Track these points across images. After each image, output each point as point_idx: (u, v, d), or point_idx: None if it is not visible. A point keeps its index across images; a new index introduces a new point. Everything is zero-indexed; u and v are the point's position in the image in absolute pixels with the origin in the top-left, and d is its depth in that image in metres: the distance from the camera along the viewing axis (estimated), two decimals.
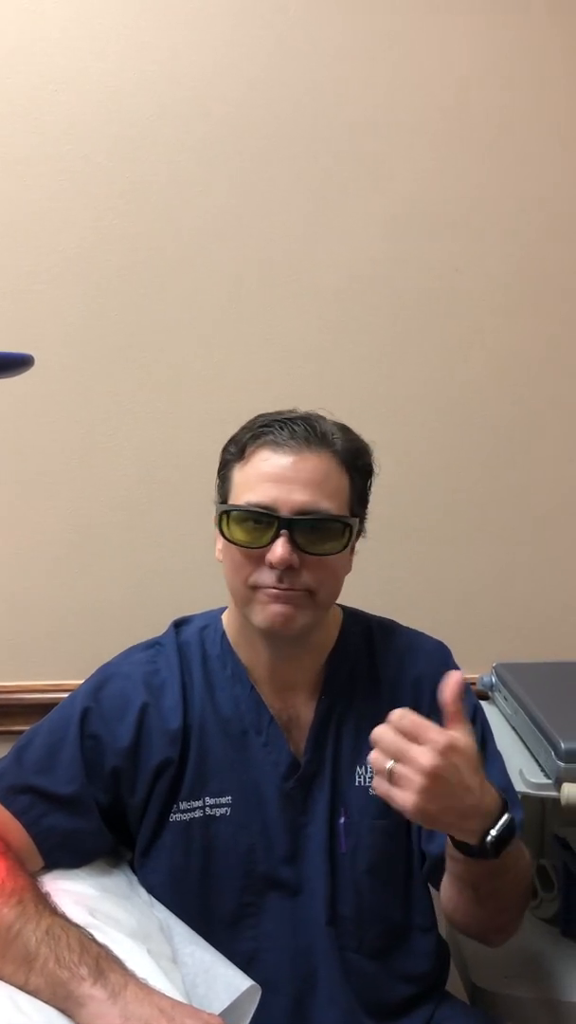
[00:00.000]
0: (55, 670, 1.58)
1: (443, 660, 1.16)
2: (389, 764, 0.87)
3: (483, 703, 1.44)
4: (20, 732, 1.11)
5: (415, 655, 1.15)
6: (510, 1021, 1.16)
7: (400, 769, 0.86)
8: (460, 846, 0.93)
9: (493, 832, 0.90)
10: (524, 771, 1.18)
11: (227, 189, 1.55)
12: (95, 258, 1.54)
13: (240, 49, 1.53)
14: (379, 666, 1.14)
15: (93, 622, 1.59)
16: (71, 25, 1.50)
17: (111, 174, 1.53)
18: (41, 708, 1.24)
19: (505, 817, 0.91)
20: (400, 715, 0.88)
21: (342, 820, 1.08)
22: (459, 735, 0.88)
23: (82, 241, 1.54)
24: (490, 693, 1.44)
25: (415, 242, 1.58)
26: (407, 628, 1.20)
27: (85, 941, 0.83)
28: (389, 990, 1.09)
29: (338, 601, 1.16)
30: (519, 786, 1.16)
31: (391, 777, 0.87)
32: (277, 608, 1.01)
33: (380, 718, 0.90)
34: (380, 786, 0.88)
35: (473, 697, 1.16)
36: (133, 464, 1.59)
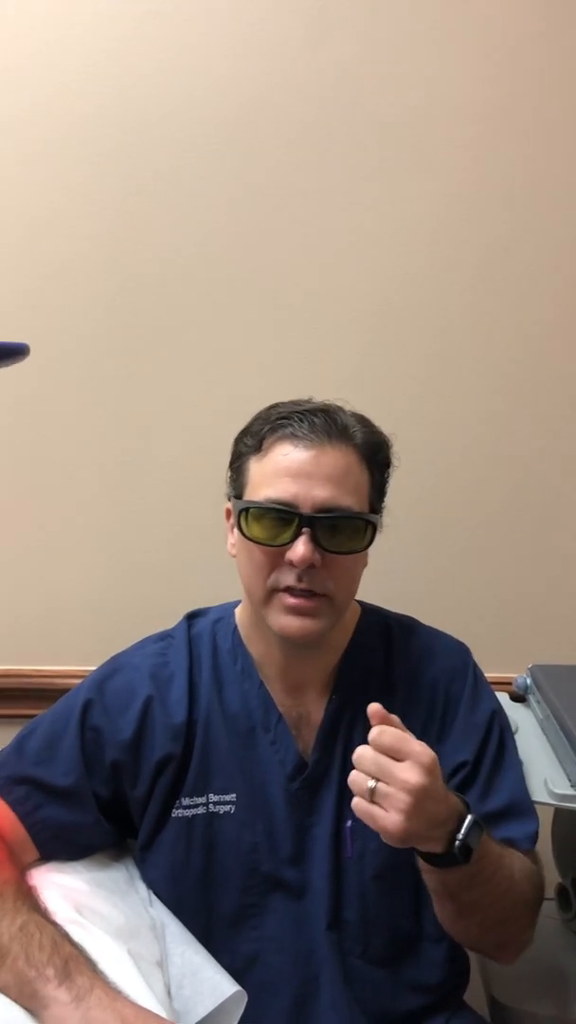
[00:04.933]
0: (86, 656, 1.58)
1: (462, 661, 1.11)
2: (371, 783, 0.83)
3: (519, 706, 1.38)
4: None
5: (433, 656, 1.11)
6: None
7: (384, 788, 0.83)
8: (429, 858, 0.89)
9: (459, 836, 0.86)
10: (549, 780, 1.11)
11: (249, 184, 1.51)
12: (121, 253, 1.53)
13: (270, 38, 1.48)
14: (395, 666, 1.10)
15: (127, 610, 1.58)
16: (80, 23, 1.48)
17: (129, 168, 1.50)
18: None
19: (468, 819, 0.88)
20: (379, 732, 0.85)
21: (349, 823, 1.04)
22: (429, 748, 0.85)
23: (98, 237, 1.52)
24: (526, 696, 1.37)
25: (455, 232, 1.53)
26: (428, 627, 1.16)
27: (59, 940, 0.82)
28: (397, 999, 1.05)
29: (366, 598, 1.13)
30: (543, 796, 1.10)
31: (372, 795, 0.83)
32: (295, 621, 0.99)
33: None
34: (360, 807, 0.84)
35: (493, 701, 1.11)
36: (175, 456, 1.57)
